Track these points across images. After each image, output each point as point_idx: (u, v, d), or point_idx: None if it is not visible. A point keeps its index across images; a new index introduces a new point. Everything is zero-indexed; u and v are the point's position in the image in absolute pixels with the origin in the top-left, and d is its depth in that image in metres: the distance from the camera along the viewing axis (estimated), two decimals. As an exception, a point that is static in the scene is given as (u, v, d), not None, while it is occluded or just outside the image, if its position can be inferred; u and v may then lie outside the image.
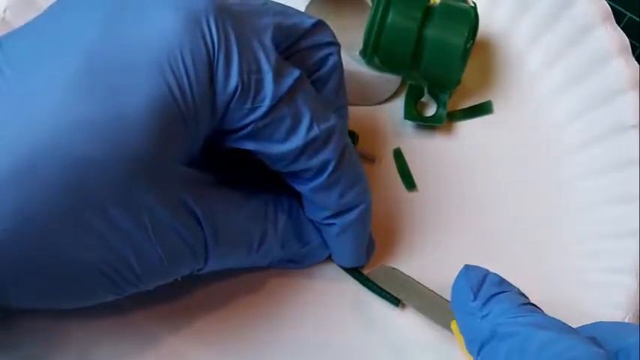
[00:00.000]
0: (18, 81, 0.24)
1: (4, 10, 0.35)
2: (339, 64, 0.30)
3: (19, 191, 0.23)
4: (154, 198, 0.25)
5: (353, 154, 0.30)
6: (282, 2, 0.29)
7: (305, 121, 0.27)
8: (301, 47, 0.29)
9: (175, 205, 0.26)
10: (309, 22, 0.29)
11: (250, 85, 0.26)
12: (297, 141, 0.27)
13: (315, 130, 0.27)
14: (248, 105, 0.26)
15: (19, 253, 0.23)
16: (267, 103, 0.26)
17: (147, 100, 0.24)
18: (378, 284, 0.33)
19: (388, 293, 0.32)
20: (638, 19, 0.43)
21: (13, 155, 0.23)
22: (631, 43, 0.37)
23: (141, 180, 0.24)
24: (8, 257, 0.23)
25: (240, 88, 0.25)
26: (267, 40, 0.27)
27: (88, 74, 0.23)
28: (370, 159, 0.36)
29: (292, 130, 0.27)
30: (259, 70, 0.26)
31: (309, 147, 0.27)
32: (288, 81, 0.27)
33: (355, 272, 0.33)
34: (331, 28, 0.31)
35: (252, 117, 0.26)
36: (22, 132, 0.23)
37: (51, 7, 0.26)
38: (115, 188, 0.24)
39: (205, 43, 0.25)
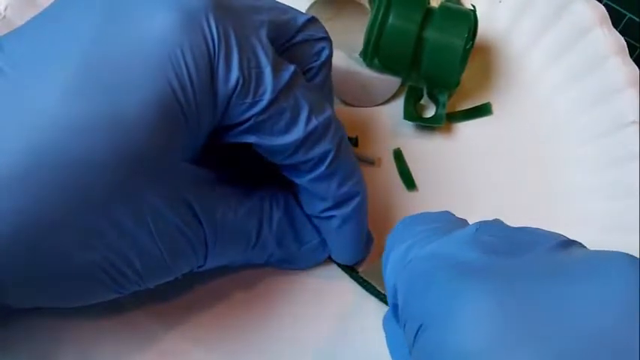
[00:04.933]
0: (19, 81, 0.24)
1: (5, 8, 0.35)
2: (330, 58, 0.31)
3: (19, 192, 0.23)
4: (157, 196, 0.25)
5: (349, 144, 0.30)
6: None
7: (304, 114, 0.28)
8: (296, 42, 0.29)
9: (177, 202, 0.26)
10: (302, 18, 0.30)
11: (251, 79, 0.26)
12: (297, 133, 0.27)
13: (314, 122, 0.28)
14: (249, 99, 0.26)
15: (19, 254, 0.23)
16: (267, 96, 0.26)
17: (148, 98, 0.24)
18: (376, 282, 0.32)
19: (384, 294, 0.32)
20: (638, 19, 0.43)
21: (14, 156, 0.23)
22: (631, 43, 0.37)
23: (143, 179, 0.24)
24: (8, 258, 0.23)
25: (240, 83, 0.26)
26: (264, 35, 0.27)
27: (87, 74, 0.23)
28: (369, 162, 0.36)
29: (292, 122, 0.27)
30: (258, 65, 0.26)
31: (309, 138, 0.28)
32: (285, 75, 0.27)
33: (352, 272, 0.33)
34: (332, 30, 0.31)
35: (253, 111, 0.26)
36: (22, 133, 0.23)
37: (51, 5, 0.26)
38: (117, 187, 0.24)
39: (205, 40, 0.25)
